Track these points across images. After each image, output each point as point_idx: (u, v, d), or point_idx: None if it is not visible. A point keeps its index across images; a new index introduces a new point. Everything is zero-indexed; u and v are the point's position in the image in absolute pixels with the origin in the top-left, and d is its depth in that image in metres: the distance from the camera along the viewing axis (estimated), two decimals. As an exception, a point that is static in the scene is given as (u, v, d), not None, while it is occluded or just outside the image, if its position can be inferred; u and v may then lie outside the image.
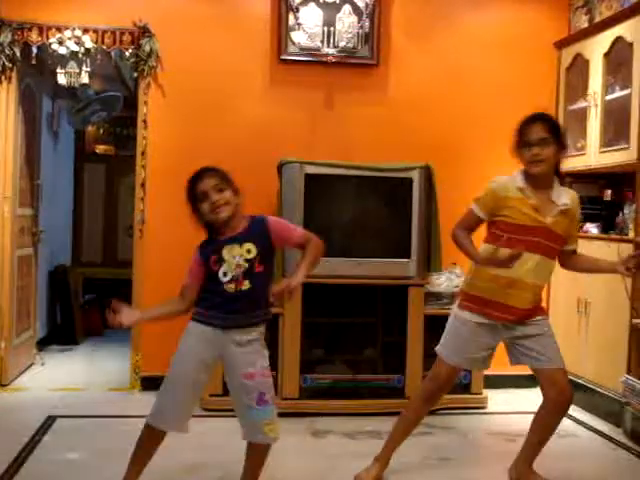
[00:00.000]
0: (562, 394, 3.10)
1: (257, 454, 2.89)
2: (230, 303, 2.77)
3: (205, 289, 2.86)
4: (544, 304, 5.01)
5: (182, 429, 2.85)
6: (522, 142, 3.05)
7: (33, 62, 4.67)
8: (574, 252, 3.22)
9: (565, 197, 3.08)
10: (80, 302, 6.84)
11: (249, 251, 2.78)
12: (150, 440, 2.87)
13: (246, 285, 2.77)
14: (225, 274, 2.77)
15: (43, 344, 5.99)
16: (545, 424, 3.18)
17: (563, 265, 3.24)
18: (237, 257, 2.77)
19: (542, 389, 3.18)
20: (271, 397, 2.85)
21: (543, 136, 3.02)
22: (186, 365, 2.82)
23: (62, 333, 6.44)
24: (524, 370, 4.91)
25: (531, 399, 4.85)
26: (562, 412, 3.15)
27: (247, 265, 2.77)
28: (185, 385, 2.83)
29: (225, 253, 2.77)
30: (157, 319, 3.06)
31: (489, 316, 3.10)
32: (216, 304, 2.79)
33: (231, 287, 2.76)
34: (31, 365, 5.41)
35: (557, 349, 3.15)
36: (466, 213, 3.15)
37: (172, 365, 2.86)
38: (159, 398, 2.86)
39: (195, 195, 2.81)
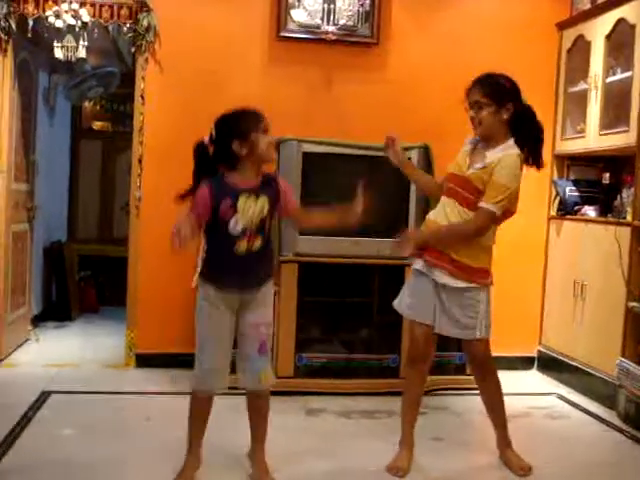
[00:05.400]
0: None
1: (258, 403, 2.96)
2: (242, 264, 2.78)
3: (214, 245, 2.85)
4: (540, 284, 5.09)
5: (224, 387, 2.91)
6: (467, 104, 3.17)
7: (29, 35, 4.61)
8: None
9: (495, 156, 3.08)
10: (75, 279, 6.82)
11: (263, 208, 2.78)
12: (200, 407, 2.91)
13: (258, 243, 2.79)
14: (236, 224, 2.75)
15: (38, 320, 5.97)
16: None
17: None
18: (252, 212, 2.76)
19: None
20: (269, 347, 2.94)
21: (477, 99, 3.12)
22: (217, 330, 2.84)
23: (57, 309, 6.42)
24: (518, 352, 5.02)
25: (524, 380, 4.88)
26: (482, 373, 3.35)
27: (260, 224, 2.78)
28: (220, 349, 2.86)
29: (241, 203, 2.75)
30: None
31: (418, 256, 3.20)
32: (228, 267, 2.79)
33: (243, 245, 2.76)
34: (26, 341, 5.40)
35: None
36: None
37: (202, 331, 2.88)
38: (198, 366, 2.89)
39: (256, 126, 2.79)
